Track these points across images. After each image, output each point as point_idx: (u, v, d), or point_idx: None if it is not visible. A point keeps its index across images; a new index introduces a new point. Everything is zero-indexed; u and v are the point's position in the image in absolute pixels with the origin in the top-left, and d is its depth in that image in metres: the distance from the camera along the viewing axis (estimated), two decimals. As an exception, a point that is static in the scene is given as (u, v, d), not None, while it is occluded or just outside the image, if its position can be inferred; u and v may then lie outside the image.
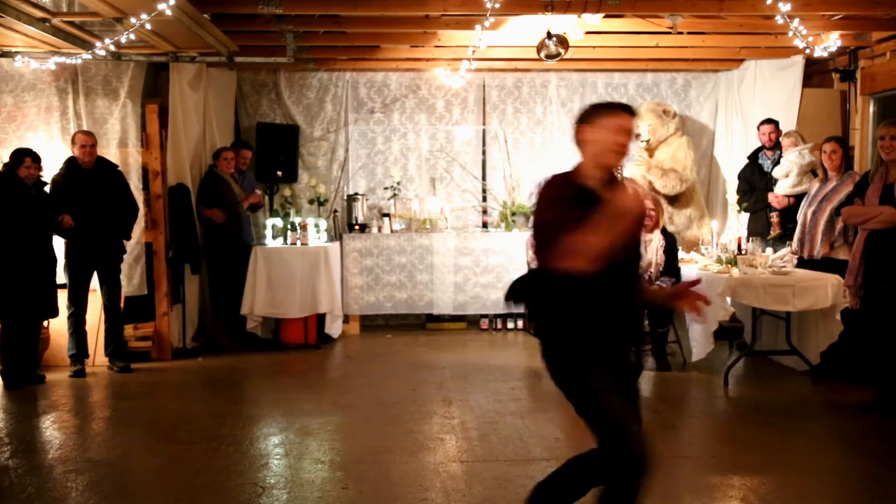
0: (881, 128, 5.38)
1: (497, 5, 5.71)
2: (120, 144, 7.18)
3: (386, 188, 8.68)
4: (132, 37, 5.74)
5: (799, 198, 6.78)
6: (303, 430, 5.13)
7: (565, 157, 8.87)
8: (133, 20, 5.47)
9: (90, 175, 6.58)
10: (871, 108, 7.43)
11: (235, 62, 7.71)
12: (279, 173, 8.43)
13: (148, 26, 5.61)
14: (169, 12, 5.25)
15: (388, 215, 8.55)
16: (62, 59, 6.62)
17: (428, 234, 8.46)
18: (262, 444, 4.91)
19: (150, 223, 7.18)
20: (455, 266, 8.42)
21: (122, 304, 6.90)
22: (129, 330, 7.08)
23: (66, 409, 5.80)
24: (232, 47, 6.91)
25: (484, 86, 8.95)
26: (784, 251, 6.41)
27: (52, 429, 5.30)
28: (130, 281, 7.14)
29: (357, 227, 8.44)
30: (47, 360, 6.87)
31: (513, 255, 8.41)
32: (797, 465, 4.46)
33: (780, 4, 5.63)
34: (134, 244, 7.08)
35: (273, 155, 8.41)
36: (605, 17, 6.63)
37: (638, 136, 8.18)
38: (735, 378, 6.40)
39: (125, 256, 6.91)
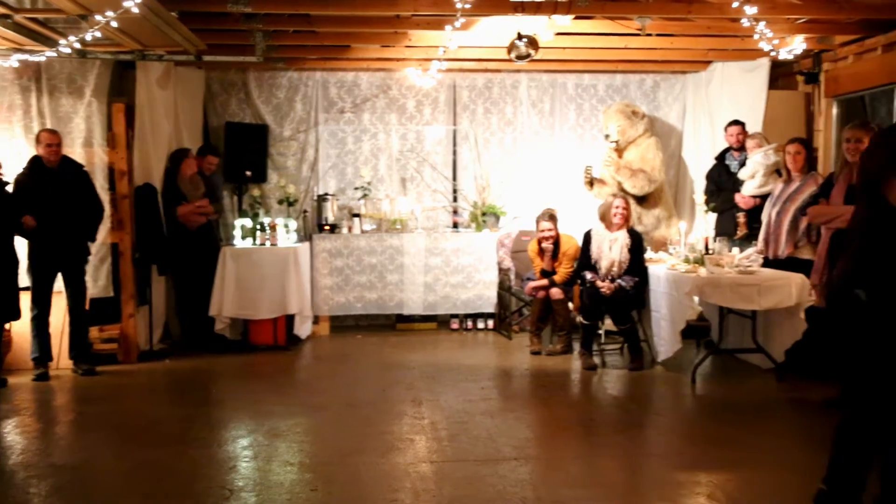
0: (847, 130, 5.46)
1: (467, 6, 5.71)
2: (85, 144, 7.08)
3: (356, 188, 8.65)
4: (98, 34, 5.67)
5: (765, 198, 6.87)
6: (272, 431, 5.09)
7: (536, 158, 8.96)
8: (98, 17, 5.40)
9: (55, 174, 6.49)
10: (835, 111, 7.55)
11: (204, 61, 7.65)
12: (248, 173, 8.37)
13: (114, 24, 5.54)
14: (135, 10, 5.19)
15: (358, 215, 8.53)
16: (25, 57, 6.51)
17: (398, 235, 8.45)
18: (230, 446, 4.86)
19: (116, 224, 7.08)
20: (425, 266, 8.42)
21: (87, 306, 6.80)
22: (94, 332, 6.98)
23: (29, 413, 5.70)
24: (200, 46, 6.85)
25: (454, 86, 8.96)
26: (750, 251, 6.49)
27: (14, 433, 5.20)
28: (96, 282, 7.04)
29: (327, 228, 8.40)
30: (9, 363, 6.73)
31: (483, 255, 8.43)
32: (763, 461, 4.51)
33: (747, 8, 5.71)
34: (100, 245, 6.98)
35: (242, 155, 8.36)
36: (575, 18, 6.67)
37: (607, 136, 8.24)
38: (702, 376, 6.47)
39: (90, 257, 6.82)
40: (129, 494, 4.12)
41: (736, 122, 7.50)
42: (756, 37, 6.14)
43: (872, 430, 3.43)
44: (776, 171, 6.96)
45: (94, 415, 5.64)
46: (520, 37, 6.83)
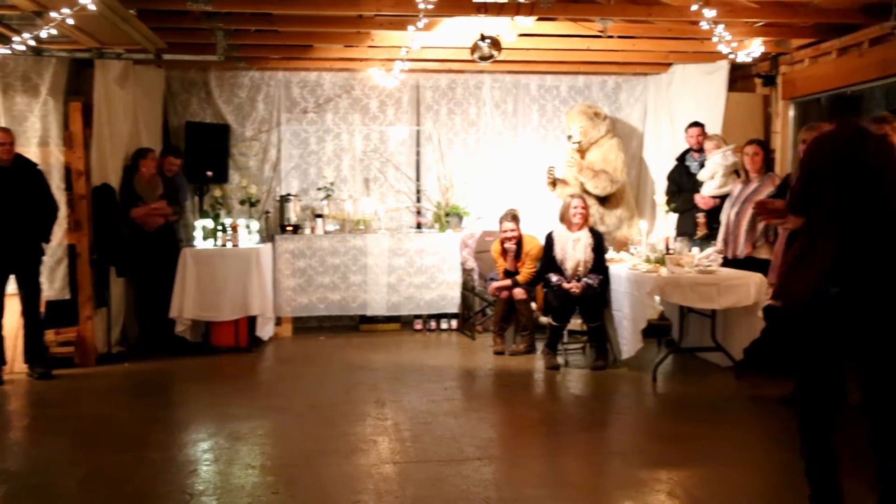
0: (803, 132, 5.54)
1: (430, 6, 5.72)
2: (41, 143, 6.93)
3: (319, 189, 8.61)
4: (54, 32, 5.57)
5: (724, 198, 6.97)
6: (233, 434, 5.04)
7: (499, 158, 8.99)
8: (54, 14, 5.31)
9: (7, 174, 6.34)
10: (791, 113, 7.68)
11: (164, 60, 7.55)
12: (209, 173, 8.28)
13: (70, 21, 5.45)
14: (92, 7, 5.10)
15: (321, 216, 8.48)
16: (-22, 54, 6.38)
17: (361, 235, 8.42)
18: (190, 450, 4.80)
19: (73, 224, 6.95)
20: (389, 267, 8.40)
21: (42, 309, 6.67)
22: (50, 335, 6.85)
23: (-16, 417, 5.59)
24: (160, 44, 6.76)
25: (418, 86, 8.96)
26: (710, 251, 6.57)
27: (-32, 438, 5.09)
28: (52, 284, 6.91)
29: (289, 228, 8.34)
30: (-37, 367, 6.60)
31: (446, 255, 8.44)
32: (721, 458, 4.58)
33: (705, 11, 5.79)
34: (56, 246, 6.85)
35: (203, 155, 8.26)
36: (538, 19, 6.72)
37: (569, 137, 8.30)
38: (663, 375, 6.54)
39: (45, 259, 6.69)
40: (87, 500, 4.06)
41: (696, 124, 7.60)
42: (715, 39, 6.23)
43: (822, 419, 3.50)
44: (735, 171, 7.06)
45: (50, 419, 5.53)
46: (483, 38, 6.86)
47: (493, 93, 9.04)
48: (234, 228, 7.70)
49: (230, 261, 7.58)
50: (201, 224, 7.82)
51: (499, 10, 6.24)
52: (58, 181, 6.90)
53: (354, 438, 4.93)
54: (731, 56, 6.62)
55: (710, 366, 6.81)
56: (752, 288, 6.12)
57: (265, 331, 7.88)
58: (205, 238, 7.76)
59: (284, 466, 4.47)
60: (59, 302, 6.96)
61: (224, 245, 7.65)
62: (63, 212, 6.81)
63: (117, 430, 5.21)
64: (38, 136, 6.93)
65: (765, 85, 7.89)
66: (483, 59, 7.06)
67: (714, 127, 7.68)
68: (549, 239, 7.06)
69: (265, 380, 6.89)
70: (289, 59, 8.25)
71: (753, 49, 6.78)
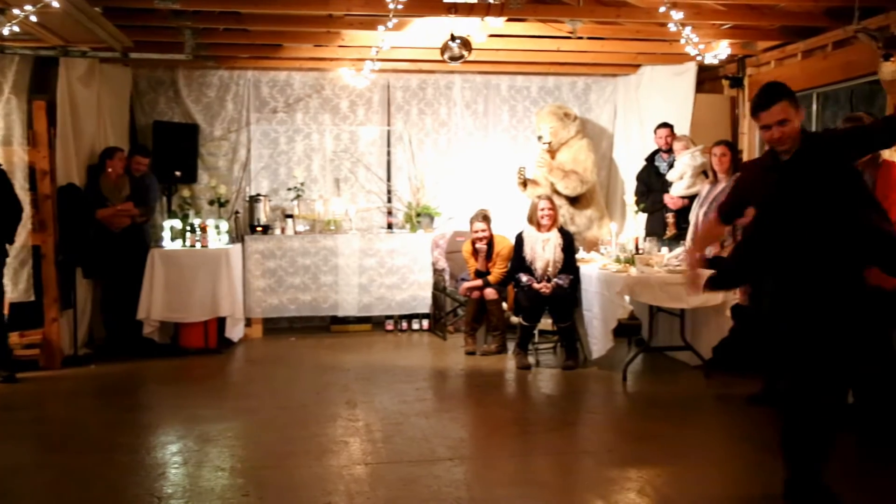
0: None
1: (400, 6, 5.70)
2: (4, 142, 6.81)
3: (289, 189, 8.56)
4: (16, 29, 5.47)
5: (693, 199, 7.03)
6: (202, 437, 4.99)
7: (470, 159, 9.00)
8: (17, 11, 5.21)
9: (-29, 174, 6.24)
10: (758, 114, 7.76)
11: (130, 58, 7.46)
12: (178, 173, 8.20)
13: (33, 18, 5.36)
14: (56, 4, 5.02)
15: (291, 216, 8.44)
16: (-61, 52, 6.26)
17: (332, 236, 8.39)
18: (159, 452, 4.75)
19: (37, 225, 6.84)
20: (360, 267, 8.37)
21: (6, 311, 6.55)
22: (14, 337, 6.73)
23: (-54, 422, 5.48)
24: (126, 42, 6.68)
25: (388, 87, 8.94)
26: (679, 250, 6.64)
27: (-71, 443, 4.99)
28: (16, 286, 6.79)
29: (259, 229, 8.28)
30: (-75, 370, 6.46)
31: (418, 256, 8.43)
32: (690, 456, 4.62)
33: (673, 13, 5.84)
34: (20, 247, 6.73)
35: (171, 154, 8.17)
36: (508, 20, 6.73)
37: (540, 138, 8.33)
38: (633, 374, 6.59)
39: (9, 260, 6.56)
40: (52, 505, 4.00)
41: (664, 125, 7.66)
42: (683, 41, 6.28)
43: (817, 417, 3.57)
44: (703, 172, 7.13)
45: (14, 423, 5.43)
46: (453, 38, 6.85)
47: (463, 93, 9.05)
48: (203, 229, 7.62)
49: (199, 261, 7.50)
50: (169, 224, 7.74)
51: (469, 10, 6.25)
52: (21, 181, 6.77)
53: (325, 440, 4.91)
54: (699, 58, 6.68)
55: (679, 365, 6.88)
56: (720, 287, 6.17)
57: (235, 332, 7.82)
58: (173, 239, 7.68)
59: (255, 468, 4.44)
60: (23, 304, 6.84)
61: (193, 246, 7.57)
62: (27, 212, 6.69)
63: (84, 433, 5.14)
64: (0, 135, 6.81)
65: (732, 86, 7.98)
66: (453, 59, 7.06)
67: (682, 128, 7.75)
68: (519, 239, 7.09)
69: (235, 381, 6.84)
70: (258, 58, 8.19)
71: (720, 51, 6.86)
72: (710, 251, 6.52)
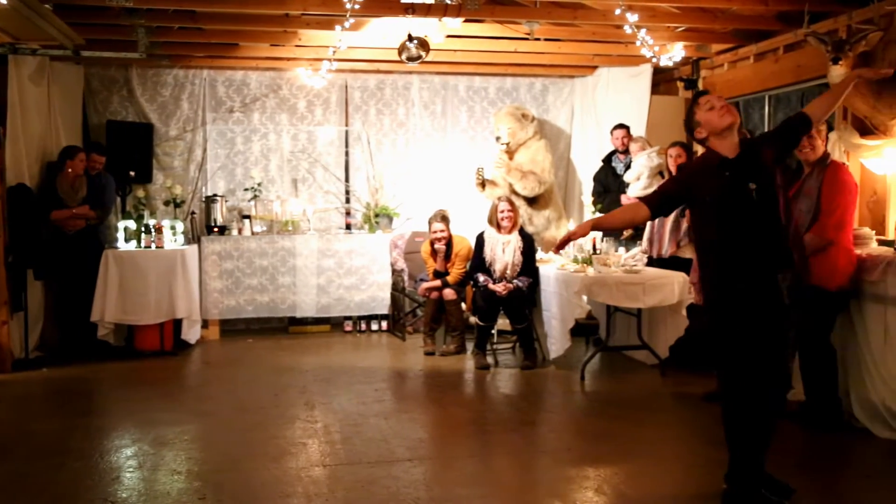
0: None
1: (357, 6, 5.70)
2: (-49, 141, 6.66)
3: (246, 189, 8.48)
4: (-37, 26, 5.35)
5: (648, 199, 7.11)
6: (158, 440, 4.92)
7: (428, 159, 9.01)
8: (-36, 8, 5.09)
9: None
10: (712, 116, 7.88)
11: (82, 56, 7.33)
12: (132, 173, 8.07)
13: (-19, 15, 5.24)
14: (3, 0, 4.91)
15: (248, 217, 8.36)
16: None
17: (290, 236, 8.33)
18: (113, 456, 4.67)
19: (-14, 226, 6.70)
20: (318, 268, 8.32)
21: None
22: (-37, 341, 6.58)
23: None
24: (78, 40, 6.56)
25: (346, 87, 8.91)
26: (635, 251, 6.72)
27: None
28: (-35, 288, 6.63)
29: (216, 230, 8.19)
30: None
31: (377, 256, 8.41)
32: (647, 454, 4.68)
33: (628, 15, 5.91)
34: (-32, 249, 6.58)
35: (125, 154, 8.03)
36: (465, 21, 6.75)
37: (498, 138, 8.36)
38: (591, 373, 6.65)
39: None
40: (1, 512, 3.91)
41: (621, 126, 7.75)
42: (638, 43, 6.37)
43: (752, 411, 3.71)
44: (660, 173, 7.22)
45: (-38, 429, 5.31)
46: (410, 38, 6.86)
47: (421, 94, 9.06)
48: (159, 230, 7.51)
49: (154, 263, 7.39)
50: (124, 225, 7.61)
51: (426, 11, 6.26)
52: (-30, 181, 6.63)
53: (283, 442, 4.87)
54: (654, 60, 6.78)
55: (636, 364, 6.95)
56: (676, 287, 6.27)
57: (191, 334, 7.72)
58: (127, 240, 7.56)
59: (211, 471, 4.39)
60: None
61: (148, 247, 7.45)
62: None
63: (34, 438, 5.02)
64: (-52, 134, 6.66)
65: (687, 88, 8.09)
66: (411, 59, 7.06)
67: (638, 129, 7.85)
68: (480, 239, 7.10)
69: (192, 384, 6.75)
70: (214, 57, 8.11)
71: (675, 53, 6.96)
72: (668, 251, 6.63)
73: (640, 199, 4.04)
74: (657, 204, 3.93)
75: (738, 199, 3.67)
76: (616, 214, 4.84)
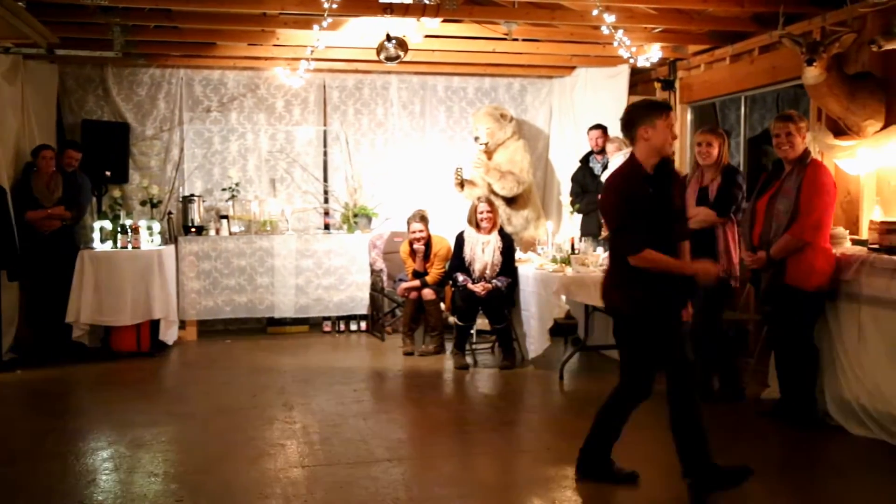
0: (698, 135, 5.76)
1: (335, 6, 5.68)
2: (-77, 141, 6.57)
3: (224, 189, 8.43)
4: (-65, 23, 5.27)
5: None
6: (135, 442, 4.88)
7: (407, 159, 9.00)
8: (-65, 5, 5.02)
9: None
10: (689, 116, 7.97)
11: (57, 55, 7.24)
12: (108, 173, 7.99)
13: (-48, 12, 5.17)
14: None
15: (226, 217, 8.31)
16: None
17: (268, 237, 8.29)
18: (89, 459, 4.63)
19: (-41, 226, 6.61)
20: (296, 268, 8.29)
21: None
22: (-65, 343, 6.49)
23: None
24: (52, 39, 6.47)
25: (325, 86, 8.88)
26: (613, 250, 6.73)
27: None
28: (-63, 290, 6.55)
29: (193, 230, 8.14)
30: None
31: (355, 256, 8.39)
32: (626, 453, 4.68)
33: (606, 16, 5.93)
34: (-60, 249, 6.49)
35: (101, 154, 7.96)
36: (444, 21, 6.75)
37: (476, 139, 8.37)
38: (570, 373, 6.68)
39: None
40: (-25, 516, 3.86)
41: (597, 126, 7.79)
42: (616, 44, 6.40)
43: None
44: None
45: (-65, 432, 5.24)
46: (389, 38, 6.85)
47: (400, 93, 9.05)
48: (135, 230, 7.44)
49: (131, 263, 7.33)
50: (100, 226, 7.54)
51: (404, 10, 6.25)
52: (-58, 181, 6.54)
53: (262, 443, 4.85)
54: (632, 60, 6.81)
55: (614, 363, 6.89)
56: (653, 286, 6.29)
57: (169, 335, 7.66)
58: (103, 240, 7.49)
59: (189, 473, 4.37)
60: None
61: (124, 247, 7.38)
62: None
63: (8, 441, 4.96)
64: (-81, 133, 6.57)
65: (664, 89, 8.13)
66: (389, 59, 7.05)
67: (616, 129, 7.87)
68: (460, 239, 7.11)
69: (169, 385, 6.71)
70: (190, 56, 8.05)
71: (652, 54, 7.00)
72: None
73: (645, 243, 3.99)
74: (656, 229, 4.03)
75: (660, 209, 3.96)
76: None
